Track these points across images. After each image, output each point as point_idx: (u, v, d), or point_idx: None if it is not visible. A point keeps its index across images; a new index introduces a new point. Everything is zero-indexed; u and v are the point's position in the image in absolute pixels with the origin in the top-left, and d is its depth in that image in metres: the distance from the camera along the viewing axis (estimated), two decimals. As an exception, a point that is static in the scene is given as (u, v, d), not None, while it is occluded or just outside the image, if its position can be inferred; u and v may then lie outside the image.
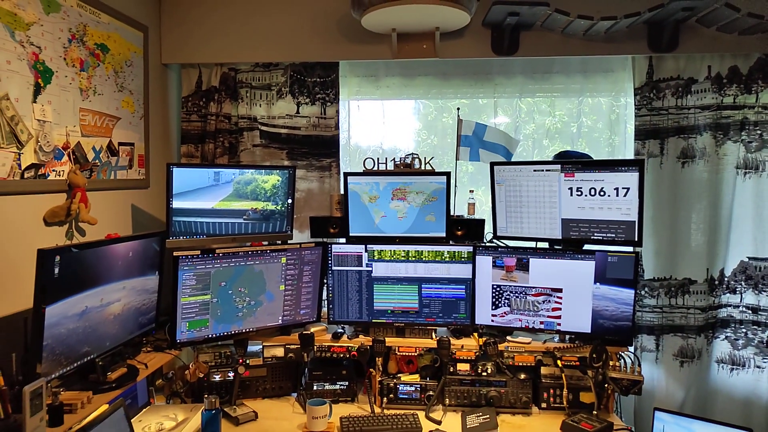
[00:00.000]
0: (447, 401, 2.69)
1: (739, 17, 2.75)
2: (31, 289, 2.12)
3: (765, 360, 3.14)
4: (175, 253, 2.60)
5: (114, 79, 2.76)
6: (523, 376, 2.68)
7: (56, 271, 1.91)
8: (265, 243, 3.00)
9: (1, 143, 2.03)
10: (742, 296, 3.18)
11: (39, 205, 2.28)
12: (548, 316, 2.82)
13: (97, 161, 2.64)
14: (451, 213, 3.05)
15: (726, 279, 3.20)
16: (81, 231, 2.53)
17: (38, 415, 1.69)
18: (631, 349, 2.75)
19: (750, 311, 3.16)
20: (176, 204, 2.75)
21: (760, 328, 3.14)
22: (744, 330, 3.18)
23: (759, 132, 3.11)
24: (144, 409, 2.51)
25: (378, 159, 3.08)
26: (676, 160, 3.19)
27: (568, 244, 2.86)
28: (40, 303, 1.87)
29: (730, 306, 3.21)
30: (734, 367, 3.19)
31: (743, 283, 3.17)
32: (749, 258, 3.16)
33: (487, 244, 3.01)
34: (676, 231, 3.21)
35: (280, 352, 2.89)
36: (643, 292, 3.25)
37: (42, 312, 1.87)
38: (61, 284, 1.96)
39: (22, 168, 2.14)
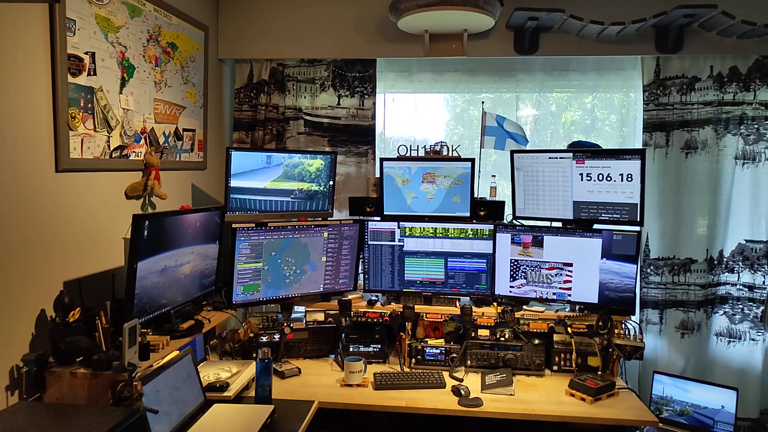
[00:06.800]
0: (469, 363, 2.92)
1: (734, 23, 2.95)
2: (116, 251, 2.46)
3: (759, 333, 3.31)
4: (233, 225, 2.87)
5: (180, 73, 3.07)
6: (537, 342, 2.90)
7: (145, 233, 2.23)
8: (309, 219, 3.24)
9: (97, 127, 2.37)
10: (739, 275, 3.34)
11: (122, 180, 2.58)
12: (560, 288, 3.03)
13: (166, 145, 2.95)
14: (475, 195, 3.24)
15: (725, 259, 3.37)
16: (152, 204, 2.82)
17: (133, 348, 1.98)
18: (635, 318, 2.94)
19: (746, 289, 3.33)
20: (234, 183, 3.01)
21: (755, 305, 3.31)
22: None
23: (756, 126, 3.28)
24: (202, 363, 2.79)
25: (410, 146, 3.28)
26: (680, 150, 3.36)
27: (579, 223, 3.06)
28: (134, 259, 2.18)
29: (728, 284, 3.37)
30: (731, 339, 3.36)
31: (740, 263, 3.34)
32: (746, 240, 3.32)
33: (506, 223, 3.21)
34: (680, 215, 3.38)
35: (320, 316, 3.16)
36: (648, 270, 3.42)
37: (135, 267, 2.18)
38: (148, 245, 2.26)
39: (111, 149, 2.47)
